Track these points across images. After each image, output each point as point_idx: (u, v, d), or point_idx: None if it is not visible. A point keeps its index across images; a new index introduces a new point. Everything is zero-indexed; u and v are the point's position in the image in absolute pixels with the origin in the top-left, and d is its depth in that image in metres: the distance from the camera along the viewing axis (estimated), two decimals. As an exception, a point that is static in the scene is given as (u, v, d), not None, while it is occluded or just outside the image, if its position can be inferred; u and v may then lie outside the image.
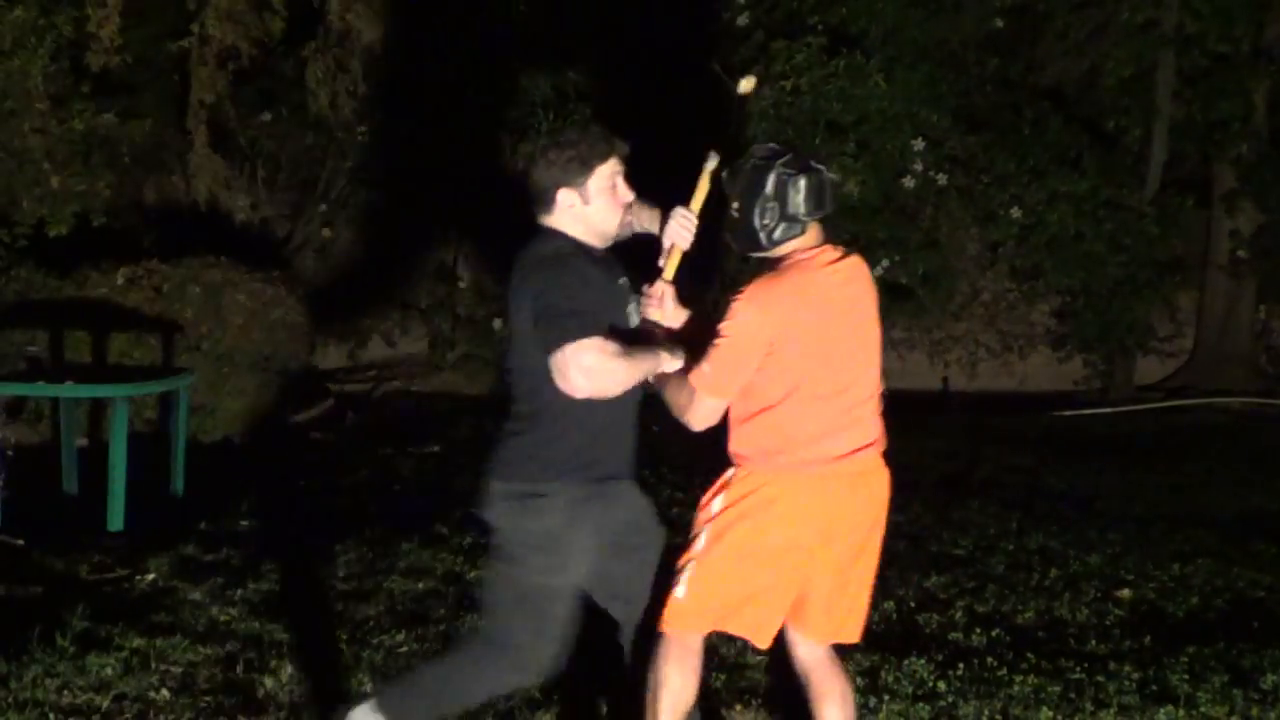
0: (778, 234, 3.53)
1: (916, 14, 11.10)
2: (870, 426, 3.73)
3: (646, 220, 3.74)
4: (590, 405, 3.38)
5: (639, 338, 3.53)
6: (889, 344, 11.87)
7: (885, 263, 11.08)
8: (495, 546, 3.58)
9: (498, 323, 11.32)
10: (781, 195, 3.51)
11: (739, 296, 3.47)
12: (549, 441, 3.49)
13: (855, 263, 3.69)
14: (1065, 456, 8.86)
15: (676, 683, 3.59)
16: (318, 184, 11.90)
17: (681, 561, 3.58)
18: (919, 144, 10.96)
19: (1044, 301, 12.16)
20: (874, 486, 3.70)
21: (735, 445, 3.58)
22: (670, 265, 3.67)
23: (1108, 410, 11.10)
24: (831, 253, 3.60)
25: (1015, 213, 11.35)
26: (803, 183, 3.51)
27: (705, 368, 3.47)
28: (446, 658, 3.66)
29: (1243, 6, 11.78)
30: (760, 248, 3.56)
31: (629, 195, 3.58)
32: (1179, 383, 12.41)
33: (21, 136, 8.99)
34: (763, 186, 3.52)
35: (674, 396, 3.53)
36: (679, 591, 3.55)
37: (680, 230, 3.66)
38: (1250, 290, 12.60)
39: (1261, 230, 12.44)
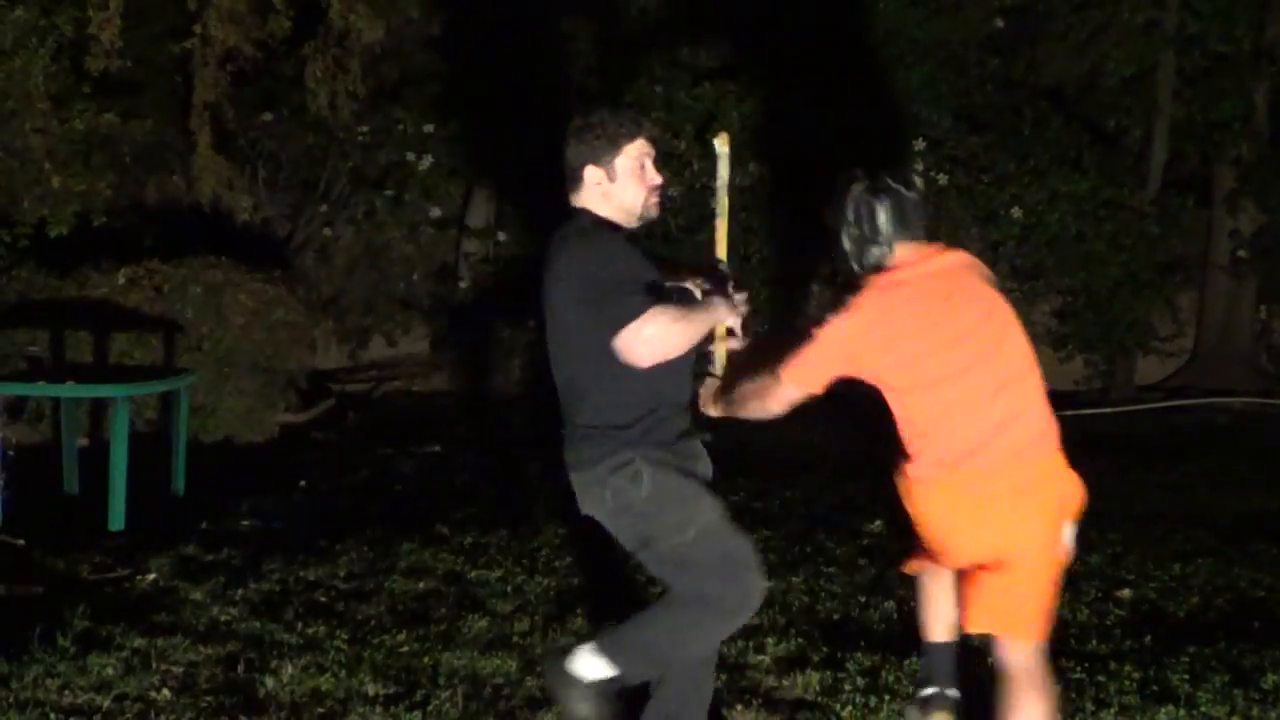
0: (867, 260, 3.60)
1: (917, 14, 11.10)
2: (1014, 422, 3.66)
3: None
4: (642, 370, 3.47)
5: (682, 296, 3.63)
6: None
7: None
8: (630, 533, 3.63)
9: (500, 322, 11.32)
10: (862, 219, 3.58)
11: (844, 304, 3.57)
12: (613, 414, 3.55)
13: (952, 260, 3.68)
14: (1066, 456, 8.84)
15: None
16: (318, 184, 11.90)
17: None
18: (920, 144, 10.96)
19: (1044, 301, 12.15)
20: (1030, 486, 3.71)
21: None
22: (719, 242, 3.83)
23: (1108, 410, 11.10)
24: (932, 260, 3.62)
25: (1016, 213, 11.35)
26: (881, 205, 3.57)
27: (794, 359, 3.59)
28: (667, 616, 3.61)
29: (1243, 7, 11.78)
30: (855, 272, 3.62)
31: (657, 178, 3.64)
32: (1180, 383, 12.41)
33: (22, 136, 8.99)
34: (845, 212, 3.58)
35: (755, 382, 3.65)
36: None
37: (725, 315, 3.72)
38: (1251, 290, 12.60)
39: (1262, 230, 12.44)
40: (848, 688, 4.60)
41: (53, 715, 4.23)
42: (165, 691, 4.47)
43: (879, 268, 3.61)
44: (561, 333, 3.59)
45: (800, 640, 5.07)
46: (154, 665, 4.67)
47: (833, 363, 3.59)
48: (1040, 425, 3.72)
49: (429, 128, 11.39)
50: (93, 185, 9.33)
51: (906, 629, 5.30)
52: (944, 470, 3.57)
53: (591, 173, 3.60)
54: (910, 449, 3.65)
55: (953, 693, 4.01)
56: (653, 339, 3.41)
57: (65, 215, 9.11)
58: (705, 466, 3.73)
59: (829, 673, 4.73)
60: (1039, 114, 11.62)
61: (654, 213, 3.67)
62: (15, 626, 4.90)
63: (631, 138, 3.60)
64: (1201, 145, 12.32)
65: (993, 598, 3.62)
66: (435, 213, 11.83)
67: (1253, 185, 12.24)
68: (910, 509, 3.72)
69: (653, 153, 3.65)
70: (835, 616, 5.41)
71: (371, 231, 12.00)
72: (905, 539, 3.90)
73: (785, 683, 4.69)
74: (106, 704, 4.33)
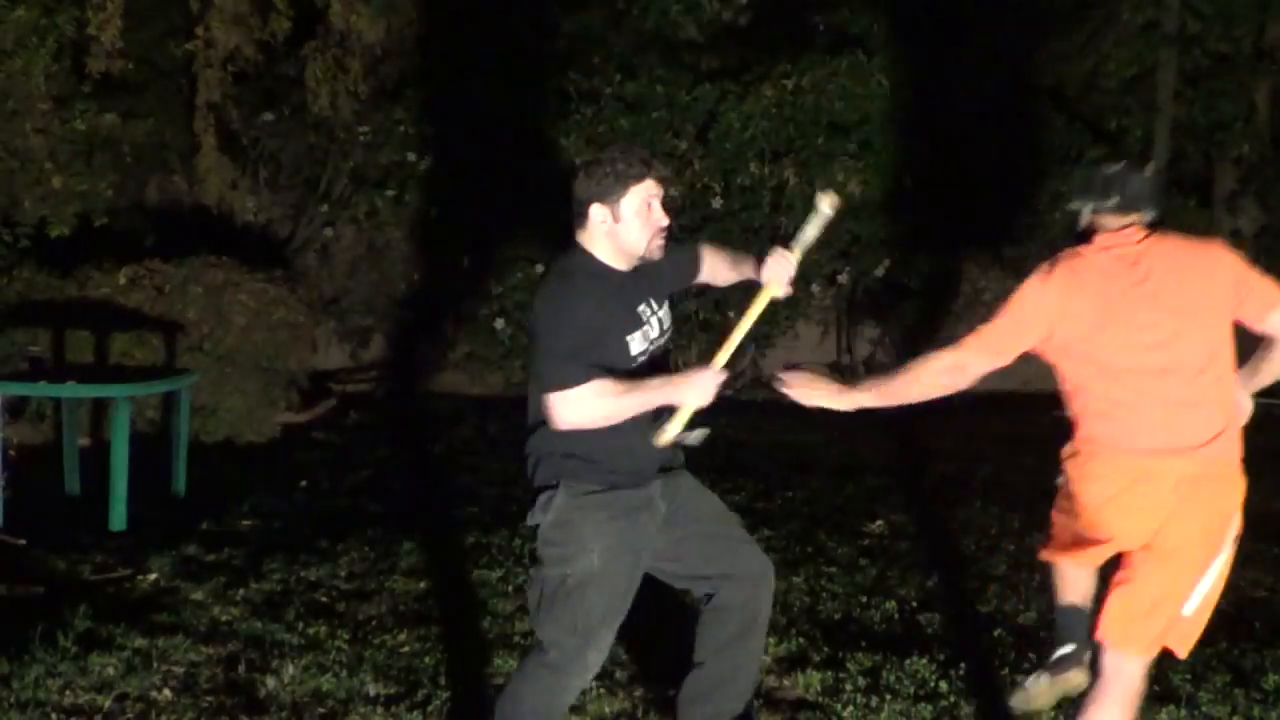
0: (1081, 220, 3.70)
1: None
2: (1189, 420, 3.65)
3: (733, 270, 3.93)
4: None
5: (637, 368, 3.62)
6: (890, 344, 11.87)
7: (887, 262, 11.08)
8: (539, 551, 3.71)
9: (500, 323, 11.32)
10: (1086, 186, 3.68)
11: (1040, 269, 3.61)
12: (552, 447, 3.66)
13: (1170, 244, 3.70)
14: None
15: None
16: (319, 184, 11.89)
17: None
18: (920, 144, 10.97)
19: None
20: (1199, 489, 3.69)
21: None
22: (756, 307, 3.75)
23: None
24: (1133, 236, 3.64)
25: (1017, 213, 11.35)
26: (1102, 173, 3.68)
27: (982, 328, 3.62)
28: (513, 678, 3.79)
29: (1244, 7, 11.77)
30: (1073, 232, 3.70)
31: (663, 219, 3.65)
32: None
33: (23, 136, 8.98)
34: (1088, 181, 3.70)
35: (925, 360, 3.67)
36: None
37: (779, 271, 3.76)
38: (1252, 290, 12.59)
39: (1263, 230, 12.43)
40: (848, 688, 4.60)
41: (54, 715, 4.24)
42: (166, 691, 4.47)
43: (1087, 236, 3.65)
44: (531, 358, 3.72)
45: (801, 640, 5.07)
46: (155, 665, 4.68)
47: (1026, 330, 3.61)
48: (1220, 422, 3.73)
49: (430, 128, 11.38)
50: (94, 185, 9.33)
51: (907, 629, 5.30)
52: (1114, 451, 3.58)
53: (597, 210, 3.60)
54: (1083, 427, 3.66)
55: (1086, 654, 3.93)
56: (576, 414, 3.53)
57: (66, 215, 9.11)
58: (650, 518, 3.68)
59: (830, 673, 4.74)
60: (1040, 114, 11.61)
61: (657, 255, 3.67)
62: (16, 626, 4.90)
63: (640, 179, 3.61)
64: (1202, 145, 12.31)
65: (1129, 599, 3.60)
66: (436, 213, 11.82)
67: (1254, 185, 12.24)
68: (1071, 487, 3.72)
69: (661, 194, 3.66)
70: (836, 616, 5.41)
71: (372, 231, 11.99)
72: (1056, 524, 3.91)
73: (786, 683, 4.69)
74: (108, 704, 4.33)
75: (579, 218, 3.64)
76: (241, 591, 5.55)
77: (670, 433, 3.61)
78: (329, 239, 12.00)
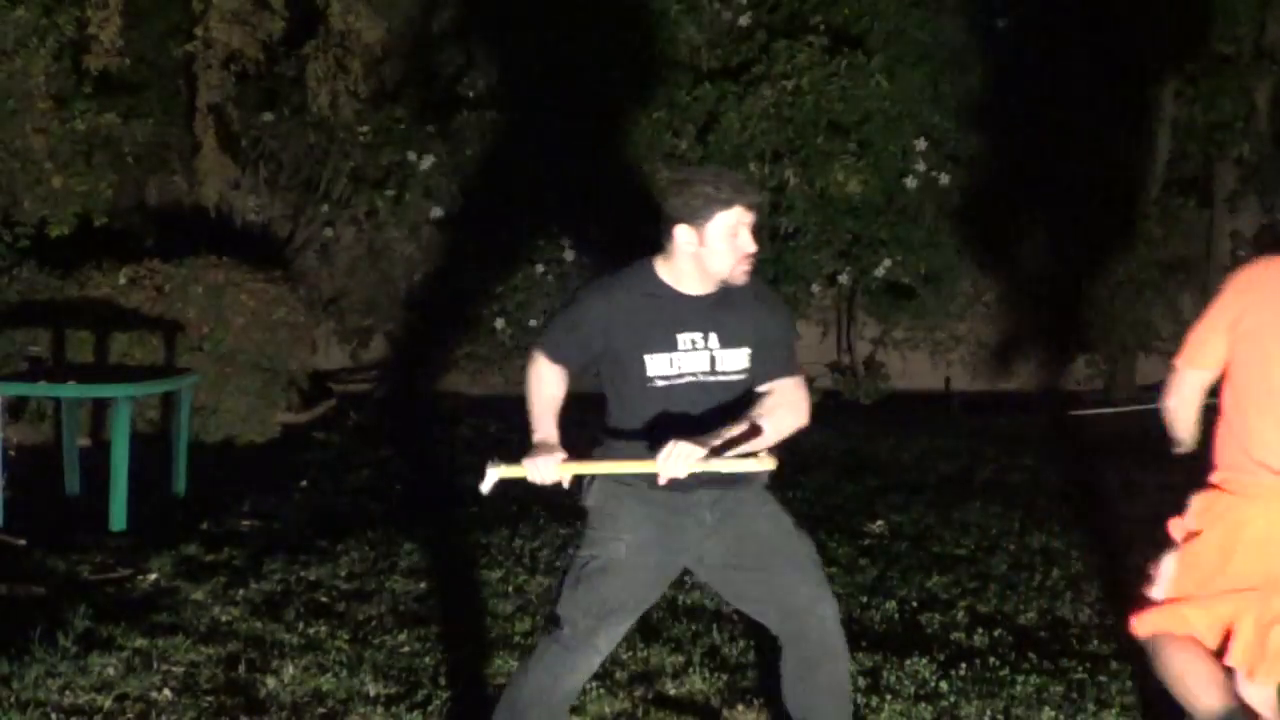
0: None
1: (918, 14, 11.09)
2: None
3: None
4: (635, 429, 3.61)
5: (656, 392, 3.61)
6: (890, 344, 11.87)
7: (887, 262, 11.08)
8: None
9: (500, 323, 11.32)
10: None
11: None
12: (607, 431, 3.74)
13: None
14: (1067, 456, 8.86)
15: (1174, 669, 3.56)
16: (319, 184, 11.89)
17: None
18: (921, 144, 10.96)
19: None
20: None
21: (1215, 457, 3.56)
22: (636, 466, 3.59)
23: (1109, 410, 11.09)
24: None
25: (1017, 213, 11.35)
26: None
27: (1185, 343, 3.60)
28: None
29: (1245, 6, 11.76)
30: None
31: (751, 246, 3.58)
32: (1181, 383, 12.39)
33: (23, 136, 8.98)
34: None
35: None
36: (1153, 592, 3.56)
37: (675, 461, 3.48)
38: (1252, 290, 12.59)
39: (1263, 230, 12.42)
40: (848, 688, 4.59)
41: (54, 715, 4.23)
42: (166, 692, 4.47)
43: None
44: None
45: (801, 640, 5.06)
46: (155, 665, 4.67)
47: (1216, 337, 3.56)
48: None
49: (430, 127, 11.39)
50: (94, 185, 9.33)
51: (907, 629, 5.30)
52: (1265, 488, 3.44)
53: (683, 232, 3.57)
54: (1232, 460, 3.54)
55: None
56: (528, 366, 3.84)
57: (66, 215, 9.11)
58: (693, 524, 3.62)
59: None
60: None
61: (741, 280, 3.60)
62: (16, 626, 4.90)
63: (728, 205, 3.54)
64: (1203, 145, 12.31)
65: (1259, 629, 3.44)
66: (436, 212, 11.82)
67: (1254, 185, 12.23)
68: (1214, 531, 3.55)
69: (751, 220, 3.58)
70: (836, 616, 5.40)
71: (372, 231, 11.99)
72: (1173, 581, 3.68)
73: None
74: (108, 704, 4.33)
75: (665, 236, 3.61)
76: (241, 591, 5.54)
77: (497, 472, 3.70)
78: (329, 239, 12.00)
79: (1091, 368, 12.15)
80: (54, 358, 8.56)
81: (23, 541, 6.13)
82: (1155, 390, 12.04)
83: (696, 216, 3.54)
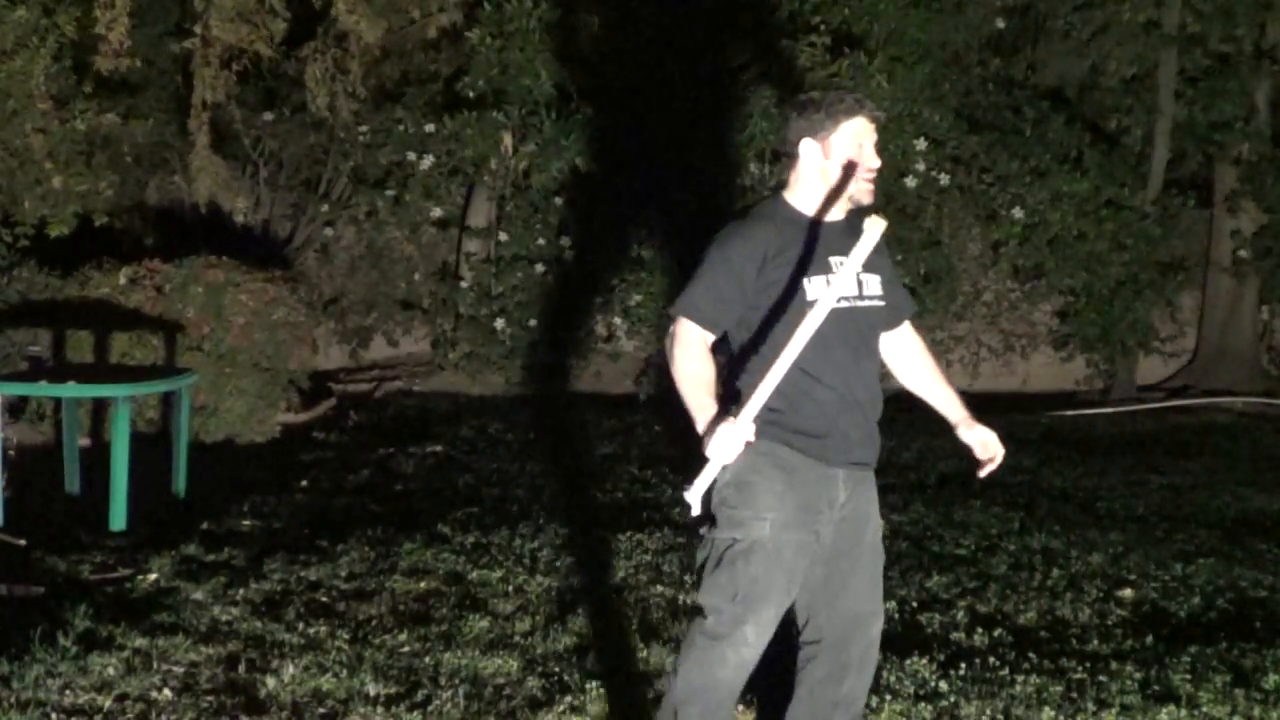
0: None
1: (918, 14, 11.10)
2: None
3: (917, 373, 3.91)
4: (790, 371, 3.37)
5: (818, 314, 3.37)
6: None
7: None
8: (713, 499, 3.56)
9: (500, 323, 11.32)
10: None
11: None
12: (742, 388, 3.50)
13: None
14: (1067, 456, 8.86)
15: None
16: (319, 184, 11.90)
17: None
18: (921, 144, 10.96)
19: (1046, 301, 12.16)
20: None
21: None
22: (798, 339, 3.37)
23: (1110, 410, 11.10)
24: None
25: (1017, 212, 11.35)
26: None
27: None
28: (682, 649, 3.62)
29: (1245, 6, 11.78)
30: None
31: (875, 160, 3.58)
32: (1181, 383, 12.41)
33: (23, 136, 8.99)
34: None
35: None
36: None
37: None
38: (1252, 290, 12.60)
39: (1263, 230, 12.43)
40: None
41: (54, 715, 4.23)
42: (166, 691, 4.47)
43: None
44: None
45: (801, 640, 5.06)
46: (155, 665, 4.67)
47: None
48: None
49: (430, 127, 11.40)
50: (94, 185, 9.34)
51: (907, 629, 5.30)
52: None
53: (808, 147, 3.54)
54: None
55: None
56: (670, 343, 3.49)
57: (66, 215, 9.12)
58: (829, 504, 3.56)
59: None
60: (1040, 114, 11.62)
61: (866, 198, 3.57)
62: (16, 626, 4.90)
63: (851, 115, 3.54)
64: (1203, 145, 12.32)
65: None
66: (436, 212, 11.84)
67: (1254, 185, 12.24)
68: None
69: (873, 136, 3.58)
70: (836, 616, 5.40)
71: (372, 231, 12.00)
72: None
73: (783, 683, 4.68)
74: (108, 704, 4.33)
75: (790, 158, 3.57)
76: (241, 591, 5.54)
77: (695, 489, 3.42)
78: (329, 239, 12.01)
79: (1091, 368, 12.15)
80: (54, 357, 8.56)
81: (23, 541, 6.12)
82: (1155, 390, 12.10)
83: (821, 129, 3.52)
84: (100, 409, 8.11)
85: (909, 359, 3.88)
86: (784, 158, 3.59)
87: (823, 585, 3.63)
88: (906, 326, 3.83)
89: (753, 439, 3.38)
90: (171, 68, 11.09)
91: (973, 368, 12.18)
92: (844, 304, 3.51)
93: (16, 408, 8.18)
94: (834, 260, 3.51)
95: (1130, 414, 10.99)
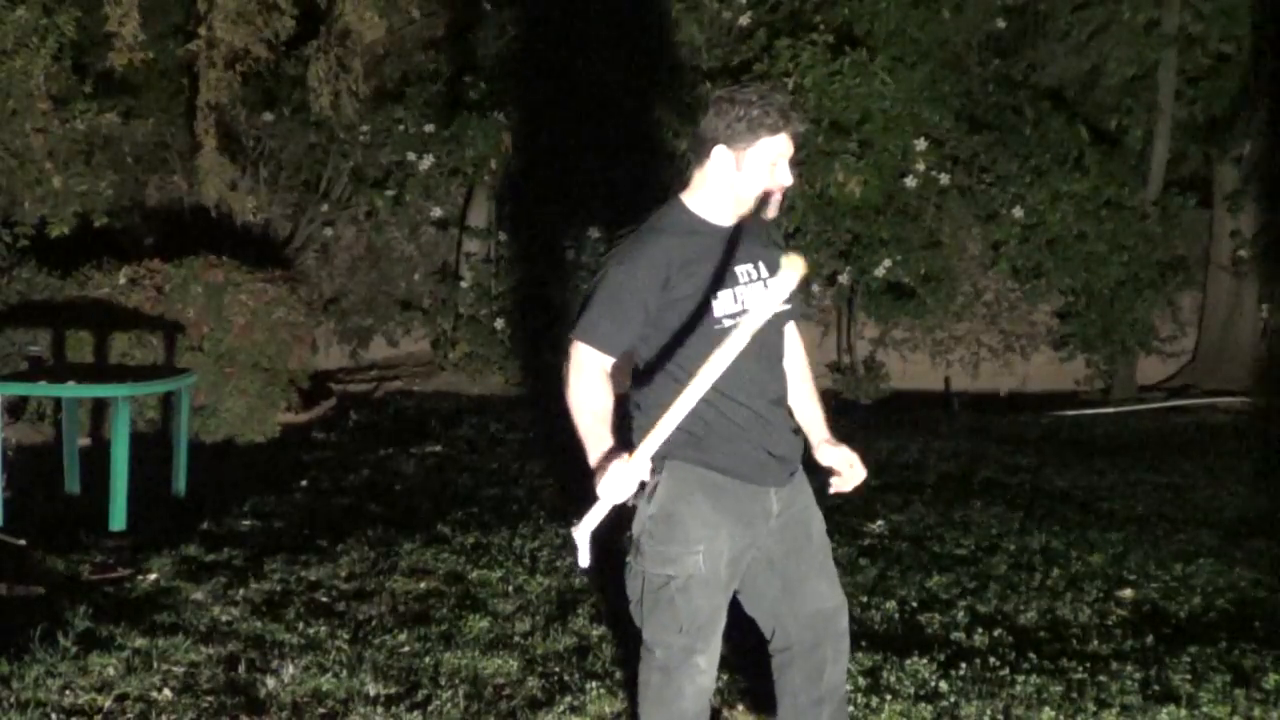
0: None
1: (919, 14, 11.10)
2: None
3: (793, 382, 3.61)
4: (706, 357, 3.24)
5: (722, 332, 3.21)
6: (890, 344, 11.88)
7: (887, 262, 11.08)
8: (633, 529, 3.45)
9: (500, 323, 11.33)
10: None
11: None
12: (652, 411, 3.32)
13: None
14: (1067, 456, 8.86)
15: None
16: (319, 184, 11.90)
17: None
18: (921, 144, 10.96)
19: (1046, 301, 12.16)
20: None
21: None
22: (690, 392, 3.18)
23: (1110, 410, 11.09)
24: None
25: (1017, 212, 11.35)
26: None
27: None
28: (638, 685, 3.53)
29: (1245, 6, 11.77)
30: None
31: (788, 179, 3.38)
32: (1181, 383, 12.40)
33: (23, 136, 8.99)
34: None
35: None
36: None
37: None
38: (1252, 290, 12.59)
39: (1263, 230, 12.43)
40: (849, 688, 4.59)
41: (54, 715, 4.23)
42: (166, 691, 4.47)
43: None
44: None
45: (801, 640, 5.06)
46: (155, 665, 4.67)
47: None
48: None
49: (430, 127, 11.40)
50: (94, 185, 9.34)
51: (907, 629, 5.30)
52: None
53: (720, 153, 3.33)
54: None
55: None
56: (569, 369, 3.32)
57: (66, 215, 9.12)
58: (762, 521, 3.44)
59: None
60: (1040, 114, 11.62)
61: (773, 212, 3.39)
62: (16, 626, 4.90)
63: (773, 131, 3.32)
64: (1203, 145, 12.32)
65: None
66: (436, 212, 11.84)
67: (1254, 185, 12.24)
68: None
69: (790, 152, 3.36)
70: (836, 616, 5.40)
71: (372, 231, 12.01)
72: None
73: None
74: (107, 704, 4.33)
75: (698, 155, 3.37)
76: (241, 591, 5.54)
77: (583, 527, 3.31)
78: (329, 239, 12.01)
79: (1091, 368, 12.15)
80: (54, 357, 8.56)
81: (23, 541, 6.12)
82: (1155, 390, 12.10)
83: (738, 140, 3.32)
84: (100, 409, 8.11)
85: (787, 362, 3.64)
86: (691, 153, 3.39)
87: (782, 594, 3.54)
88: (791, 326, 3.64)
89: (648, 478, 3.26)
90: (172, 68, 11.09)
91: (973, 368, 12.18)
92: (742, 314, 3.34)
93: (16, 408, 8.19)
94: (740, 270, 3.37)
95: (1130, 414, 10.99)
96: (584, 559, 3.36)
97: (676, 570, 3.36)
